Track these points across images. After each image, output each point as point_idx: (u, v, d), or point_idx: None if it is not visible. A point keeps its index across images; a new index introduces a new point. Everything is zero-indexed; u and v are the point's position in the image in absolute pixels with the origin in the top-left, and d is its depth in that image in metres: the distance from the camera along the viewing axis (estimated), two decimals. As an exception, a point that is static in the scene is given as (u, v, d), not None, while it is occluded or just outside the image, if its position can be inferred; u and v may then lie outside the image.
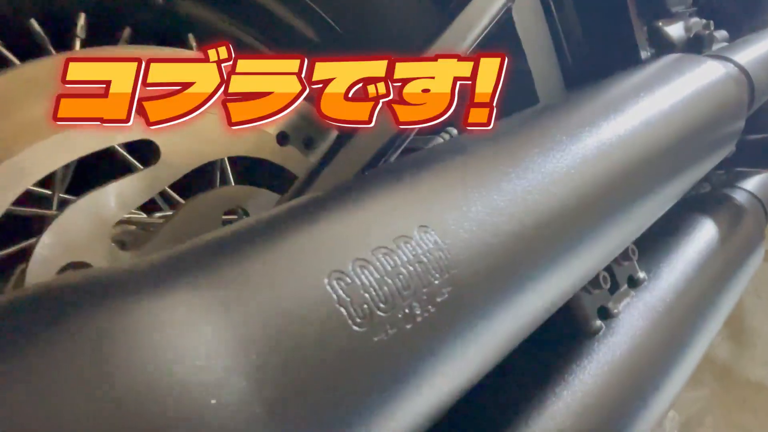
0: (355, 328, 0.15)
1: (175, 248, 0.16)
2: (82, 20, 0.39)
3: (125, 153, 0.35)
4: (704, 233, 0.50)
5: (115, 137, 0.32)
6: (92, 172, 0.46)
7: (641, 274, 0.41)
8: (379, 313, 0.16)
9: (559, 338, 0.34)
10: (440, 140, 0.40)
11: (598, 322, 0.36)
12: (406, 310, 0.16)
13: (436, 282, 0.17)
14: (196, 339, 0.13)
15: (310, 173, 0.35)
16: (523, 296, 0.20)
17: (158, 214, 0.43)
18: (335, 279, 0.16)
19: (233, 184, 0.44)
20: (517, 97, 0.52)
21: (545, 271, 0.22)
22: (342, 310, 0.15)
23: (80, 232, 0.30)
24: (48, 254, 0.29)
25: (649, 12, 0.62)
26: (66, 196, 0.38)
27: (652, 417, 0.35)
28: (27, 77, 0.29)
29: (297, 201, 0.19)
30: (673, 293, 0.42)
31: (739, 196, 0.58)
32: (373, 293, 0.16)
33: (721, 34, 0.80)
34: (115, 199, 0.32)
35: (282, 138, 0.40)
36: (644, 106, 0.35)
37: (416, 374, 0.16)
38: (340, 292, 0.16)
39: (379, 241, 0.17)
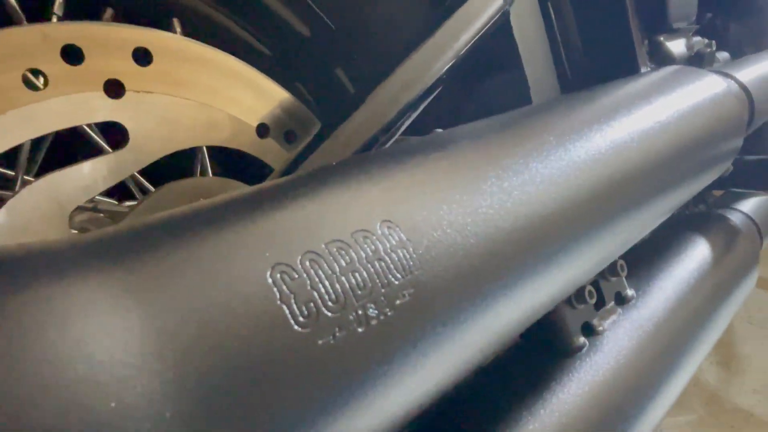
0: (297, 328, 0.13)
1: (100, 230, 0.14)
2: (59, -2, 0.37)
3: (92, 133, 0.33)
4: (697, 253, 0.49)
5: (78, 117, 0.30)
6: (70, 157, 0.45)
7: (630, 292, 0.40)
8: (326, 312, 0.14)
9: (539, 354, 0.32)
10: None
11: (582, 339, 0.34)
12: (359, 312, 0.15)
13: (397, 282, 0.16)
14: (100, 330, 0.11)
15: (286, 166, 0.34)
16: (495, 304, 0.19)
17: (127, 203, 0.41)
18: (279, 272, 0.14)
19: (210, 175, 0.42)
20: (513, 103, 0.51)
21: (521, 279, 0.20)
22: (284, 307, 0.13)
23: (36, 215, 0.28)
24: (0, 236, 0.28)
25: (651, 26, 0.61)
26: (31, 178, 0.37)
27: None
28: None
29: (247, 188, 0.18)
30: (662, 313, 0.40)
31: (734, 218, 0.57)
32: (322, 291, 0.14)
33: (723, 55, 0.79)
34: (78, 182, 0.30)
35: (262, 130, 0.38)
36: (640, 114, 0.34)
37: (365, 383, 0.14)
38: (284, 287, 0.14)
39: (335, 234, 0.15)
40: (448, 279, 0.17)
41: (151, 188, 0.39)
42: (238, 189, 0.23)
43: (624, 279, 0.40)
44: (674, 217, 0.52)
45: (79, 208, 0.31)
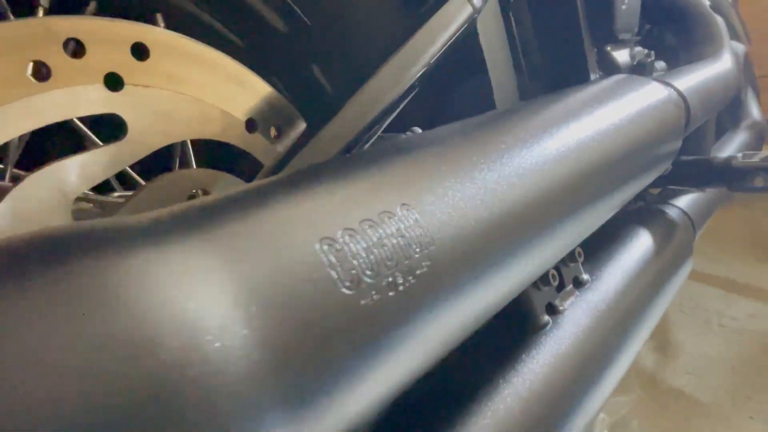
0: (344, 290, 0.16)
1: (174, 207, 0.16)
2: (46, -11, 0.38)
3: (82, 126, 0.34)
4: (641, 244, 0.54)
5: (79, 109, 0.31)
6: (46, 147, 0.45)
7: (585, 276, 0.44)
8: (366, 279, 0.17)
9: (511, 331, 0.36)
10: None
11: (546, 317, 0.38)
12: (389, 279, 0.17)
13: (417, 256, 0.19)
14: (204, 287, 0.13)
15: (278, 162, 0.36)
16: (489, 277, 0.22)
17: (116, 194, 0.41)
18: (326, 245, 0.16)
19: (194, 167, 0.44)
20: (478, 104, 0.55)
21: (506, 257, 0.23)
22: (332, 273, 0.16)
23: (40, 205, 0.29)
24: (4, 226, 0.28)
25: (600, 37, 0.67)
26: (18, 170, 0.37)
27: (590, 406, 0.37)
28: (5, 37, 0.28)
29: (290, 172, 0.20)
30: (613, 295, 0.45)
31: (671, 212, 0.63)
32: (361, 261, 0.17)
33: (660, 64, 0.87)
34: (78, 172, 0.31)
35: (250, 125, 0.40)
36: (593, 119, 0.38)
37: (395, 338, 0.17)
38: (331, 257, 0.16)
39: (365, 214, 0.18)
40: (455, 254, 0.20)
41: (140, 180, 0.40)
42: (264, 178, 0.25)
43: (580, 265, 0.44)
44: (621, 211, 0.57)
45: (77, 199, 0.32)
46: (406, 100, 0.42)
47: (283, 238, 0.16)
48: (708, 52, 0.73)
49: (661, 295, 0.50)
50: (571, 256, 0.42)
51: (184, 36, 0.36)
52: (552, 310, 0.39)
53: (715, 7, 1.26)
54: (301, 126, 0.42)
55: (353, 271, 0.17)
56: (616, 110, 0.41)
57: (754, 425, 0.87)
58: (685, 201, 0.65)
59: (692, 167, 0.58)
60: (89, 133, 0.36)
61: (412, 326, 0.18)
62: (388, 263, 0.18)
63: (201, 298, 0.13)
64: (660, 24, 0.84)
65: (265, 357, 0.13)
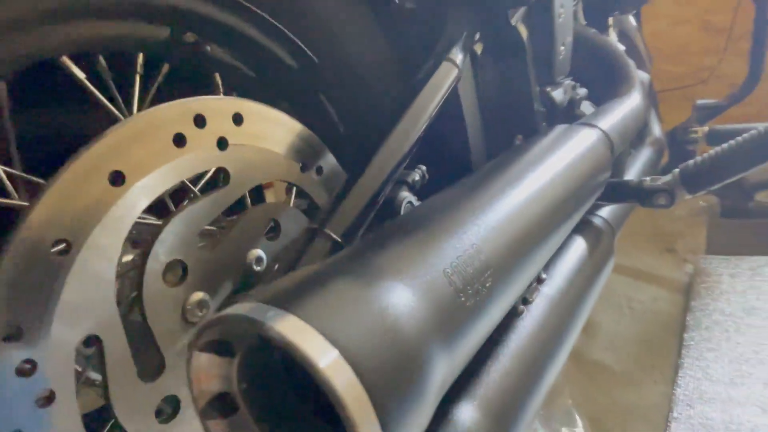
0: (460, 298, 0.29)
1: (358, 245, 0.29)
2: (140, 59, 0.48)
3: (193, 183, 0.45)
4: (578, 247, 0.71)
5: (202, 166, 0.42)
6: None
7: (544, 275, 0.60)
8: (467, 289, 0.30)
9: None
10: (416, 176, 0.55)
11: (522, 307, 0.53)
12: (476, 287, 0.31)
13: (486, 275, 0.32)
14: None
15: (334, 200, 0.48)
16: (513, 283, 0.36)
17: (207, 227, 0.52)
18: (447, 270, 0.30)
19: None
20: (452, 147, 0.67)
21: (520, 271, 0.38)
22: (452, 287, 0.29)
23: (181, 236, 0.40)
24: (160, 252, 0.39)
25: (542, 81, 0.83)
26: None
27: (554, 370, 0.53)
28: (156, 118, 0.39)
29: (409, 219, 0.33)
30: (562, 288, 0.61)
31: (597, 221, 0.80)
32: (462, 278, 0.30)
33: (582, 91, 1.05)
34: (202, 211, 0.42)
35: (303, 167, 0.51)
36: (556, 167, 0.53)
37: (480, 327, 0.31)
38: (452, 277, 0.30)
39: (462, 249, 0.31)
40: (500, 274, 0.34)
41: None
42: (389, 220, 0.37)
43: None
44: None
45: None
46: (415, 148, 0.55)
47: (427, 266, 0.29)
48: (622, 91, 0.92)
49: (595, 285, 0.67)
50: (536, 261, 0.58)
51: (261, 103, 0.47)
52: (525, 301, 0.54)
53: (625, 37, 1.49)
54: (332, 161, 0.54)
55: (459, 285, 0.30)
56: (562, 157, 0.56)
57: (657, 387, 1.08)
58: (606, 212, 0.84)
59: (614, 188, 0.76)
60: (190, 185, 0.46)
61: (487, 318, 0.32)
62: (474, 279, 0.31)
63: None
64: (585, 65, 1.03)
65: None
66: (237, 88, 0.53)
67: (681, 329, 1.19)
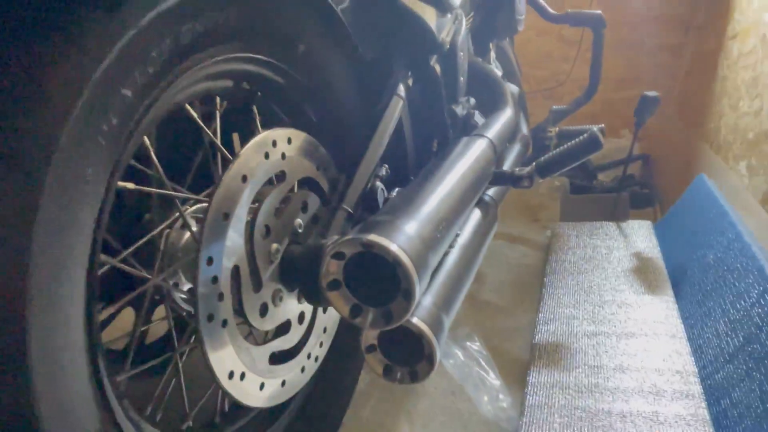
0: (437, 236, 0.63)
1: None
2: (218, 102, 0.75)
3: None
4: (476, 215, 1.08)
5: (273, 171, 0.71)
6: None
7: (458, 232, 0.96)
8: (436, 234, 0.64)
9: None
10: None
11: (450, 249, 0.89)
12: (438, 234, 0.65)
13: (440, 227, 0.66)
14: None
15: (344, 184, 0.79)
16: (449, 235, 0.71)
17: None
18: (433, 222, 0.63)
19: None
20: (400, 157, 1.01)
21: (452, 227, 0.72)
22: (433, 230, 0.63)
23: (266, 211, 0.69)
24: (259, 220, 0.68)
25: (449, 101, 1.19)
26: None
27: (467, 283, 0.89)
28: (256, 142, 0.67)
29: (403, 199, 0.66)
30: (469, 239, 0.97)
31: (486, 198, 1.19)
32: (436, 228, 0.64)
33: (473, 101, 1.43)
34: (274, 197, 0.71)
35: (317, 167, 0.82)
36: (464, 161, 0.89)
37: (440, 253, 0.65)
38: (434, 226, 0.64)
39: (434, 214, 0.66)
40: (445, 227, 0.68)
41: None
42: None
43: (456, 226, 0.96)
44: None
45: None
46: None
47: (425, 222, 0.62)
48: (500, 106, 1.31)
49: (487, 238, 1.05)
50: (453, 223, 0.94)
51: (294, 129, 0.77)
52: (451, 245, 0.90)
53: (502, 53, 1.91)
54: (331, 163, 0.85)
55: (435, 231, 0.64)
56: (470, 156, 0.92)
57: (527, 315, 1.52)
58: (492, 191, 1.23)
59: (496, 176, 1.15)
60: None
61: (441, 248, 0.66)
62: (437, 229, 0.65)
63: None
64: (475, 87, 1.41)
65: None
66: (263, 113, 0.82)
67: (542, 274, 1.64)
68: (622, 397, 1.11)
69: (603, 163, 2.62)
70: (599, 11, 1.97)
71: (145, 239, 0.69)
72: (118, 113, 0.49)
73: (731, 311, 1.21)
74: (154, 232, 0.71)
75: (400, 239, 0.57)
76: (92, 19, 0.45)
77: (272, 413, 0.85)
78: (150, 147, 0.63)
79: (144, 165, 0.72)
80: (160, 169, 0.66)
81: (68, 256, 0.46)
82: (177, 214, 0.72)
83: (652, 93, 1.82)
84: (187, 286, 0.79)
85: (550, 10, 1.98)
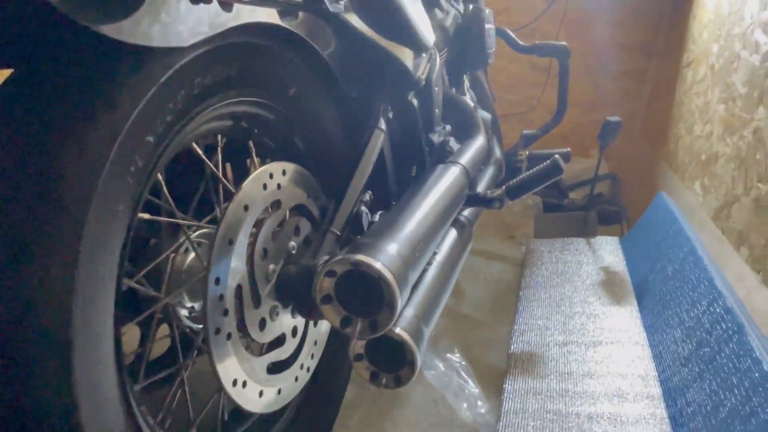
0: (416, 255, 0.73)
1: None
2: (219, 140, 0.84)
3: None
4: (452, 235, 1.18)
5: (270, 200, 0.80)
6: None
7: (436, 250, 1.06)
8: (415, 253, 0.73)
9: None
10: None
11: (427, 266, 0.98)
12: (416, 254, 0.74)
13: (419, 247, 0.76)
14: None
15: (332, 209, 0.89)
16: (426, 253, 0.80)
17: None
18: (413, 242, 0.73)
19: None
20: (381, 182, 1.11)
21: (429, 246, 0.82)
22: (413, 251, 0.72)
23: (265, 234, 0.78)
24: (258, 243, 0.77)
25: (426, 129, 1.29)
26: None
27: (445, 295, 0.98)
28: (257, 176, 0.76)
29: (387, 222, 0.76)
30: (446, 256, 1.07)
31: (463, 219, 1.29)
32: (414, 248, 0.74)
33: (448, 128, 1.54)
34: (271, 222, 0.80)
35: (307, 195, 0.91)
36: (441, 186, 0.99)
37: (419, 269, 0.74)
38: (413, 246, 0.73)
39: (414, 234, 0.75)
40: (423, 246, 0.77)
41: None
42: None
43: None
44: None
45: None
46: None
47: (405, 242, 0.71)
48: (472, 134, 1.42)
49: (462, 255, 1.15)
50: (431, 243, 1.04)
51: (288, 162, 0.86)
52: (429, 263, 0.99)
53: (476, 81, 2.04)
54: (319, 190, 0.94)
55: (414, 251, 0.73)
56: (448, 183, 1.02)
57: (503, 327, 1.61)
58: (467, 212, 1.33)
59: (470, 198, 1.25)
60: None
61: (420, 265, 0.75)
62: (417, 248, 0.74)
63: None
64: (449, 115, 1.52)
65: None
66: (258, 146, 0.91)
67: (517, 289, 1.74)
68: (590, 400, 1.21)
69: (573, 182, 2.76)
70: (564, 43, 2.11)
71: (156, 262, 0.77)
72: (143, 156, 0.58)
73: (686, 319, 1.32)
74: (163, 256, 0.79)
75: (384, 258, 0.67)
76: (121, 80, 0.54)
77: (268, 421, 0.92)
78: (162, 182, 0.72)
79: (154, 196, 0.80)
80: (171, 201, 0.75)
81: (103, 280, 0.54)
82: (183, 239, 0.80)
83: (614, 118, 1.95)
84: (189, 305, 0.86)
85: (519, 42, 2.12)
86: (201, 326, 0.84)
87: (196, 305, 0.84)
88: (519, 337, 1.49)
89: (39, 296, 0.47)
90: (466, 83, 1.84)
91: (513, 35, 2.12)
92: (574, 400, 1.22)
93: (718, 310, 1.19)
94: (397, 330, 0.76)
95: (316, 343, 0.94)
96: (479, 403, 1.26)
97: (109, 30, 0.47)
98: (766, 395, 0.91)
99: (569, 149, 1.81)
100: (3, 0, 0.45)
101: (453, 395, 1.28)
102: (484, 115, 1.74)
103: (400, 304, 0.67)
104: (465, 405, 1.26)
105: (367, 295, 0.68)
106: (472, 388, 1.29)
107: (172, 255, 0.81)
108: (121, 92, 0.54)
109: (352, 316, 0.69)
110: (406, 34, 1.04)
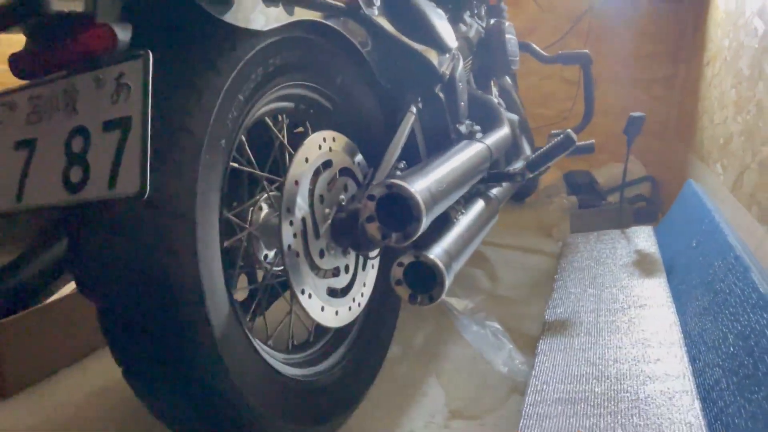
0: (441, 192, 0.93)
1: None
2: (283, 118, 1.09)
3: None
4: (480, 204, 1.37)
5: (324, 159, 1.03)
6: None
7: (462, 210, 1.25)
8: (441, 195, 0.94)
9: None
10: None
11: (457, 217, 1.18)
12: (443, 197, 0.95)
13: (445, 190, 0.96)
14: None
15: (372, 174, 1.11)
16: (451, 198, 1.00)
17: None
18: (442, 186, 0.93)
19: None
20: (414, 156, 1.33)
21: (454, 191, 1.02)
22: (441, 192, 0.93)
23: (321, 184, 1.00)
24: (315, 193, 0.99)
25: (453, 120, 1.50)
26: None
27: (475, 245, 1.17)
28: (312, 139, 0.99)
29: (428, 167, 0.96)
30: (471, 219, 1.26)
31: (491, 195, 1.48)
32: (442, 192, 0.94)
33: (477, 128, 1.74)
34: (325, 176, 1.02)
35: (351, 160, 1.13)
36: (464, 153, 1.19)
37: (444, 207, 0.95)
38: (442, 187, 0.93)
39: (443, 179, 0.95)
40: (448, 190, 0.97)
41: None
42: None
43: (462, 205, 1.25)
44: (476, 190, 1.40)
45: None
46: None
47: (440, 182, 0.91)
48: (496, 125, 1.62)
49: (486, 225, 1.33)
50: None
51: (335, 131, 1.09)
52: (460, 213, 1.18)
53: (505, 92, 2.25)
54: (361, 157, 1.16)
55: (442, 193, 0.93)
56: (471, 152, 1.23)
57: (540, 305, 1.75)
58: (495, 191, 1.51)
59: (496, 175, 1.44)
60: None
61: (444, 205, 0.95)
62: (444, 193, 0.94)
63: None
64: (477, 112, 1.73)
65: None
66: (313, 122, 1.15)
67: (554, 275, 1.88)
68: (617, 347, 1.33)
69: (610, 186, 2.87)
70: (586, 50, 2.30)
71: (243, 206, 1.01)
72: (236, 108, 0.82)
73: (705, 276, 1.43)
74: (254, 199, 1.03)
75: (413, 185, 0.87)
76: (225, 55, 0.78)
77: (336, 342, 1.13)
78: (245, 142, 0.96)
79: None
80: (252, 157, 0.99)
81: (213, 227, 0.78)
82: (262, 188, 1.04)
83: (637, 113, 2.10)
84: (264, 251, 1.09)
85: (543, 53, 2.33)
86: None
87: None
88: (552, 312, 1.63)
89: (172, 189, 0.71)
90: (495, 90, 2.05)
91: (537, 48, 2.33)
92: (603, 349, 1.34)
93: (730, 260, 1.31)
94: (431, 256, 0.96)
95: (365, 284, 1.14)
96: (515, 357, 1.41)
97: (221, 13, 0.72)
98: (761, 313, 1.03)
99: (593, 141, 1.96)
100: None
101: (490, 351, 1.43)
102: (511, 116, 1.94)
103: (425, 218, 0.87)
104: (500, 360, 1.41)
105: (401, 215, 0.89)
106: (508, 344, 1.44)
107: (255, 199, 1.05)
108: (224, 61, 0.78)
109: (390, 232, 0.89)
110: (429, 36, 1.28)
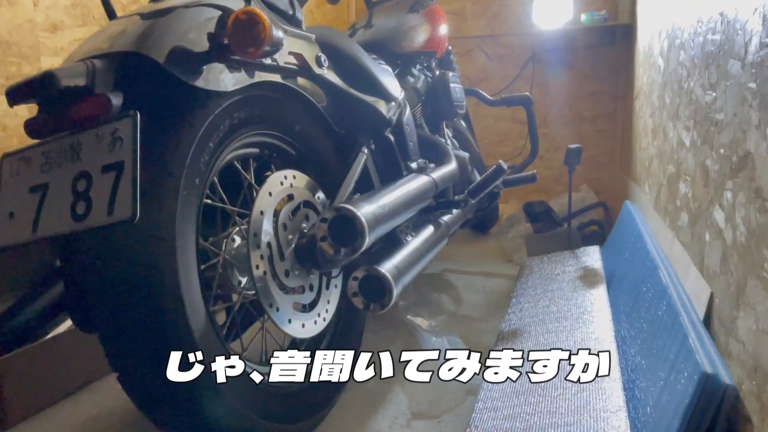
0: (387, 218, 1.12)
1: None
2: (251, 162, 1.28)
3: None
4: (429, 230, 1.56)
5: (284, 195, 1.22)
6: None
7: (412, 233, 1.44)
8: (388, 218, 1.13)
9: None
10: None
11: (407, 238, 1.36)
12: (387, 225, 1.14)
13: (388, 212, 1.15)
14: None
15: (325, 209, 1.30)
16: (395, 221, 1.19)
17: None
18: (387, 209, 1.12)
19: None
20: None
21: (399, 216, 1.21)
22: (387, 212, 1.11)
23: (284, 216, 1.19)
24: (279, 226, 1.17)
25: (405, 159, 1.71)
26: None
27: (424, 263, 1.35)
28: (274, 177, 1.19)
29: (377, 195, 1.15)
30: (421, 241, 1.44)
31: (442, 221, 1.67)
32: (391, 214, 1.13)
33: (431, 165, 1.96)
34: (286, 210, 1.21)
35: (311, 193, 1.32)
36: (409, 183, 1.39)
37: (390, 225, 1.14)
38: (389, 210, 1.12)
39: (385, 203, 1.14)
40: (393, 214, 1.16)
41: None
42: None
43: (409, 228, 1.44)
44: (425, 217, 1.59)
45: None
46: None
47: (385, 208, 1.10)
48: (444, 162, 1.84)
49: (434, 247, 1.52)
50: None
51: (296, 170, 1.28)
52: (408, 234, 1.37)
53: (459, 133, 2.49)
54: (320, 192, 1.35)
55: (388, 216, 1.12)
56: (416, 183, 1.43)
57: (498, 319, 1.92)
58: (447, 217, 1.71)
59: (443, 203, 1.64)
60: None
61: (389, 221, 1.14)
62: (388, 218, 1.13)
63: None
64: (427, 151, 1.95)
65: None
66: (276, 164, 1.34)
67: (510, 295, 2.06)
68: (559, 326, 1.50)
69: (565, 214, 3.09)
70: (527, 93, 2.57)
71: (217, 238, 1.18)
72: (207, 154, 1.01)
73: (634, 286, 1.62)
74: (227, 231, 1.21)
75: (359, 208, 1.06)
76: (196, 111, 0.98)
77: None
78: (217, 183, 1.15)
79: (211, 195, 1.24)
80: (224, 196, 1.18)
81: (191, 250, 0.96)
82: (233, 222, 1.22)
83: (574, 145, 2.35)
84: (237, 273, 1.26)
85: (489, 98, 2.59)
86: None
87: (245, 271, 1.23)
88: (507, 322, 1.80)
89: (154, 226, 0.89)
90: (448, 131, 2.29)
91: (484, 93, 2.60)
92: (549, 332, 1.51)
93: (647, 263, 1.51)
94: (381, 269, 1.14)
95: (329, 301, 1.31)
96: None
97: (192, 80, 0.92)
98: (660, 301, 1.21)
99: (535, 171, 2.19)
100: (127, 67, 0.90)
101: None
102: (462, 153, 2.17)
103: (368, 236, 1.06)
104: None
105: (351, 234, 1.07)
106: (462, 345, 1.60)
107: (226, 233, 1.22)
108: (196, 117, 0.98)
109: (340, 248, 1.07)
110: (375, 88, 1.51)
